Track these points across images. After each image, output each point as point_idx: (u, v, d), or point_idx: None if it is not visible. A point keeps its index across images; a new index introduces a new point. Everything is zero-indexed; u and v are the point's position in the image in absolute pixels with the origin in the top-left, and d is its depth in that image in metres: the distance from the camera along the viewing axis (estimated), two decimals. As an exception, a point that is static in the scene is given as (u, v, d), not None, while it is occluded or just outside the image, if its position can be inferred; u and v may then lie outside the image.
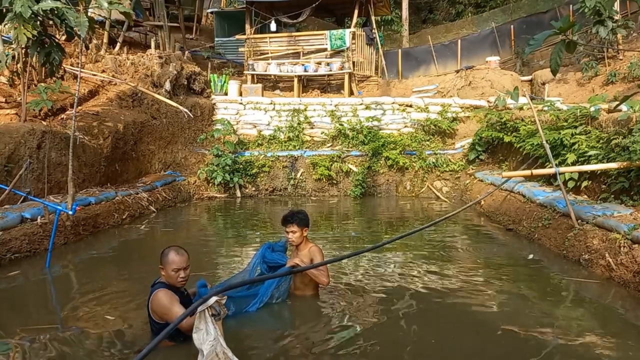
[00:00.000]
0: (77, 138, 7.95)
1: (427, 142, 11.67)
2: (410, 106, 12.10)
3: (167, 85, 11.36)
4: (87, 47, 11.29)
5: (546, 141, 7.19)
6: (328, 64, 14.04)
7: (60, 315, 4.55)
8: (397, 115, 12.05)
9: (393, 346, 3.77)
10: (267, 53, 14.62)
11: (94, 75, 10.75)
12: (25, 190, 6.88)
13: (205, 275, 5.14)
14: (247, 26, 14.90)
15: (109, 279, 5.53)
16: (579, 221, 6.14)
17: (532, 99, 10.47)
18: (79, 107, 8.92)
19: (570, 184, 7.26)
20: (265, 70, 14.51)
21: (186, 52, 14.57)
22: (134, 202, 8.68)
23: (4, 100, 8.42)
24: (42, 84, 8.94)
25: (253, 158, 11.64)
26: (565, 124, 8.15)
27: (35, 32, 6.89)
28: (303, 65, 14.07)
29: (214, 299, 3.00)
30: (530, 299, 4.85)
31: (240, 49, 15.25)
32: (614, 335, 3.96)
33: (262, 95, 13.36)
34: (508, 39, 17.50)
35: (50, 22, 7.52)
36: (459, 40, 17.30)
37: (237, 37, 15.68)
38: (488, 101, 11.99)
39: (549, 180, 7.96)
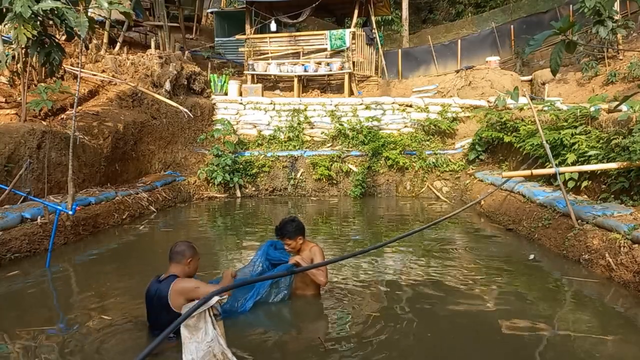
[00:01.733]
0: (77, 138, 7.95)
1: (427, 142, 11.66)
2: (410, 106, 12.10)
3: (167, 85, 11.36)
4: (87, 47, 11.29)
5: (546, 141, 7.19)
6: (328, 64, 14.04)
7: (59, 315, 4.56)
8: (397, 115, 12.05)
9: (393, 346, 3.77)
10: (267, 53, 14.62)
11: (94, 75, 10.75)
12: (25, 190, 6.88)
13: (204, 276, 5.15)
14: (247, 26, 14.90)
15: (109, 279, 5.52)
16: (579, 221, 6.14)
17: (532, 99, 10.47)
18: (79, 107, 8.92)
19: (570, 184, 7.26)
20: (265, 70, 14.51)
21: (186, 52, 14.57)
22: (134, 202, 8.68)
23: (4, 100, 8.42)
24: (42, 84, 8.94)
25: (253, 158, 11.64)
26: (565, 124, 8.15)
27: (35, 32, 6.89)
28: (303, 65, 14.07)
29: (215, 299, 3.00)
30: (530, 299, 4.85)
31: (240, 49, 15.25)
32: (614, 335, 3.96)
33: (262, 95, 13.36)
34: (508, 39, 17.50)
35: (50, 22, 7.52)
36: (459, 40, 17.30)
37: (237, 37, 15.68)
38: (488, 101, 11.99)
39: (549, 180, 7.96)
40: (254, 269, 4.59)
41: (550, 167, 6.97)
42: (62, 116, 8.79)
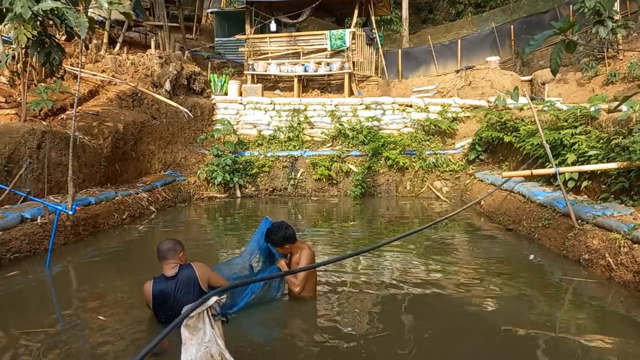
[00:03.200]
0: (77, 138, 7.95)
1: (427, 142, 11.66)
2: (410, 106, 12.10)
3: (167, 85, 11.36)
4: (87, 47, 11.29)
5: (546, 141, 7.19)
6: (328, 64, 14.04)
7: (59, 315, 4.55)
8: (397, 115, 12.05)
9: (392, 346, 3.77)
10: (267, 53, 14.62)
11: (94, 75, 10.75)
12: (25, 190, 6.88)
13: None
14: (247, 26, 14.90)
15: (109, 279, 5.53)
16: (579, 221, 6.14)
17: (532, 99, 10.47)
18: (79, 107, 8.92)
19: (570, 184, 7.26)
20: (265, 70, 14.51)
21: (186, 52, 14.57)
22: (134, 202, 8.68)
23: (4, 100, 8.42)
24: (42, 84, 8.94)
25: (253, 158, 11.64)
26: (565, 124, 8.15)
27: (35, 32, 6.89)
28: (303, 65, 14.07)
29: (214, 299, 2.99)
30: (530, 299, 4.85)
31: (240, 49, 15.25)
32: (614, 335, 3.96)
33: (262, 95, 13.36)
34: (508, 39, 17.50)
35: (50, 22, 7.51)
36: (459, 40, 17.31)
37: (237, 37, 15.68)
38: (488, 101, 11.99)
39: (549, 180, 7.96)
40: (250, 257, 4.58)
41: (550, 167, 6.97)
42: (62, 116, 8.79)
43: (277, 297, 4.52)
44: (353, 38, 13.87)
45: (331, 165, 11.39)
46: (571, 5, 15.59)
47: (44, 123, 8.20)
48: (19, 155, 7.06)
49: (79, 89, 7.95)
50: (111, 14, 12.84)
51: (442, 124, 11.63)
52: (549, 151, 6.95)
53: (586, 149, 7.19)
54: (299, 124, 12.17)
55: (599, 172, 6.85)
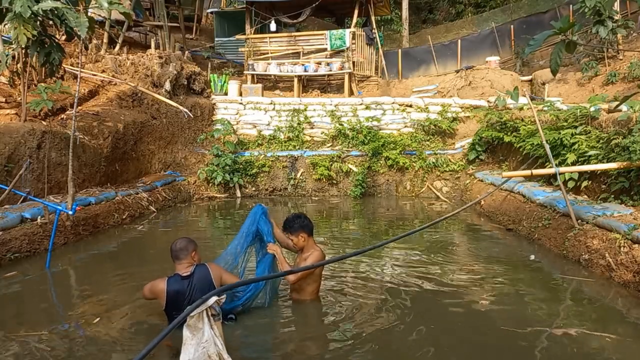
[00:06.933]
0: (77, 138, 7.95)
1: (427, 142, 11.66)
2: (410, 106, 12.10)
3: (167, 85, 11.36)
4: (87, 47, 11.29)
5: (546, 141, 7.19)
6: (328, 64, 14.04)
7: (59, 316, 4.55)
8: (397, 115, 12.05)
9: (393, 346, 3.77)
10: (267, 53, 14.62)
11: (94, 75, 10.75)
12: (25, 190, 6.88)
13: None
14: (247, 26, 14.90)
15: (109, 279, 5.53)
16: (579, 221, 6.14)
17: (532, 99, 10.47)
18: (79, 107, 8.91)
19: (570, 184, 7.26)
20: (265, 70, 14.51)
21: (186, 52, 14.58)
22: (134, 202, 8.68)
23: (4, 100, 8.42)
24: (42, 84, 8.93)
25: (253, 158, 11.64)
26: (565, 124, 8.15)
27: (35, 32, 6.89)
28: (303, 65, 14.07)
29: (213, 298, 2.99)
30: (530, 299, 4.85)
31: (240, 49, 15.26)
32: (614, 335, 3.96)
33: (262, 95, 13.36)
34: (508, 39, 17.50)
35: (50, 22, 7.52)
36: (459, 40, 17.31)
37: (237, 37, 15.69)
38: (488, 101, 11.99)
39: (549, 180, 7.96)
40: (244, 246, 4.56)
41: (550, 167, 6.97)
42: (62, 116, 8.79)
43: (268, 303, 4.44)
44: (353, 38, 13.87)
45: (331, 165, 11.39)
46: (571, 5, 15.58)
47: (44, 123, 8.20)
48: (19, 155, 7.06)
49: (79, 89, 7.94)
50: (111, 14, 12.85)
51: (442, 124, 11.63)
52: (549, 151, 6.95)
53: (586, 149, 7.19)
54: (299, 124, 12.17)
55: (599, 172, 6.85)
